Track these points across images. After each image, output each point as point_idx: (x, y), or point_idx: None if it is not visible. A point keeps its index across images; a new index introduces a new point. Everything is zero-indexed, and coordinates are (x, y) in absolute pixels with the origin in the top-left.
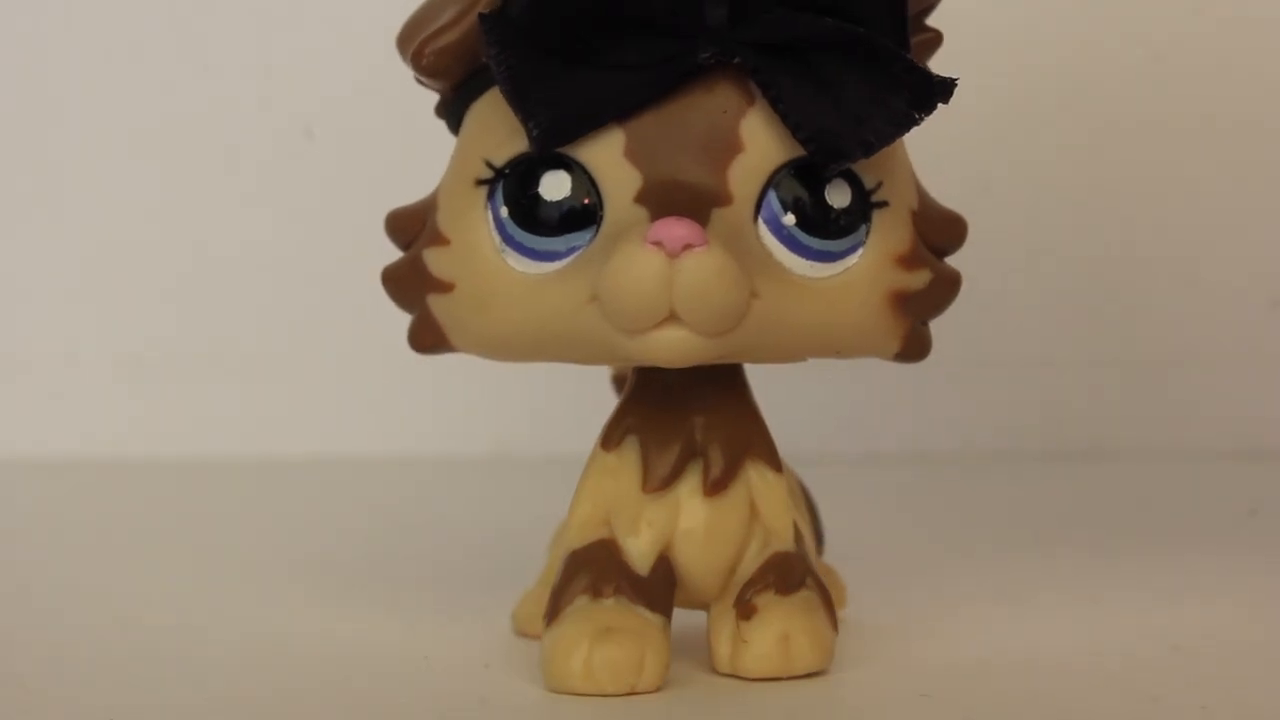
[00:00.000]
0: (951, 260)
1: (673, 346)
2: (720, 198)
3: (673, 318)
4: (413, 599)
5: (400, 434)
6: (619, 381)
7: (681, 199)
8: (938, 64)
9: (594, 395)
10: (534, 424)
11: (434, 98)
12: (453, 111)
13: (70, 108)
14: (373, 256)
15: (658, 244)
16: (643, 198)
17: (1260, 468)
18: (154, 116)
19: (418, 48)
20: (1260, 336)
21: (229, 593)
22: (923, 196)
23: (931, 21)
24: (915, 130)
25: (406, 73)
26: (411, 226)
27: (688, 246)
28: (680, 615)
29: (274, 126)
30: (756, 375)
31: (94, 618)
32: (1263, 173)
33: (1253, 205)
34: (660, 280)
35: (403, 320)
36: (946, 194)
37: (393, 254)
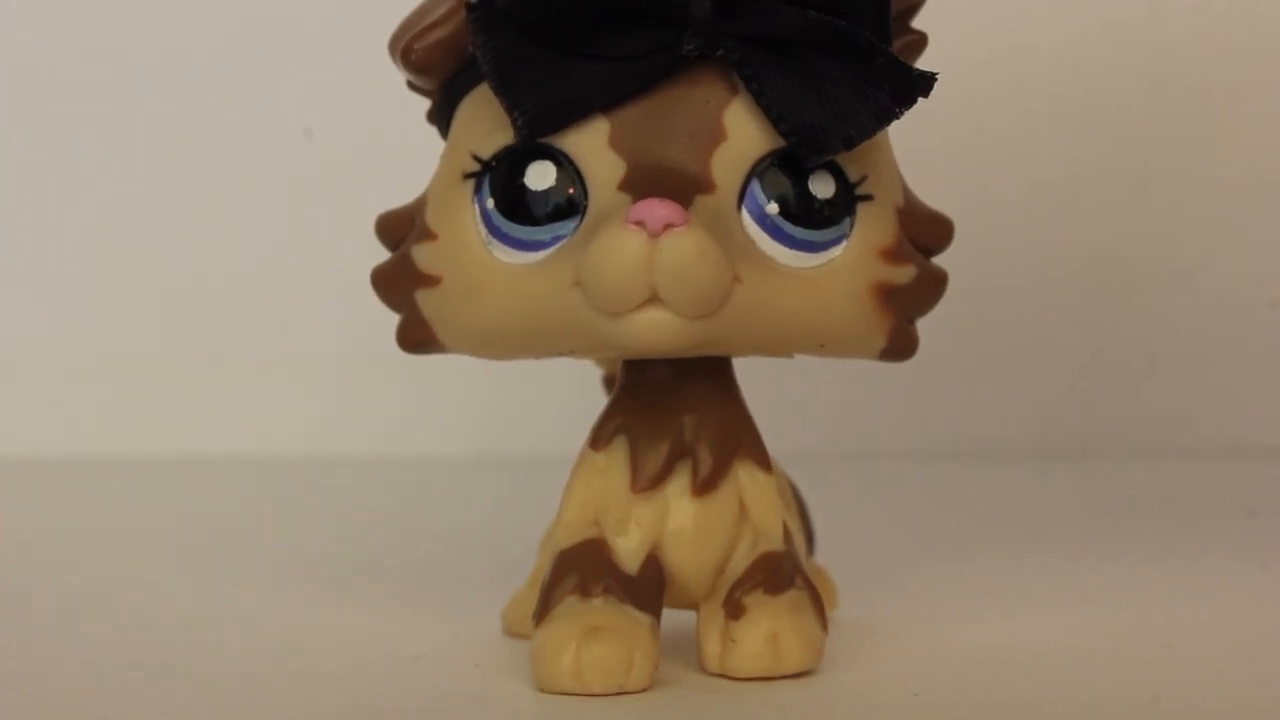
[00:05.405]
0: (952, 257)
1: (654, 329)
2: (703, 184)
3: (654, 299)
4: (402, 599)
5: (390, 434)
6: (609, 382)
7: (664, 184)
8: (937, 65)
9: (583, 395)
10: (523, 424)
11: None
12: (442, 113)
13: (69, 108)
14: (369, 257)
15: (639, 224)
16: (626, 184)
17: (1259, 467)
18: (153, 116)
19: (406, 44)
20: (1259, 336)
21: (220, 592)
22: (909, 195)
23: (930, 23)
24: (915, 130)
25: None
26: (401, 227)
27: (669, 226)
28: (669, 615)
29: (274, 126)
30: (746, 375)
31: (91, 617)
32: (1262, 172)
33: (1251, 205)
34: (641, 260)
35: (394, 321)
36: (944, 194)
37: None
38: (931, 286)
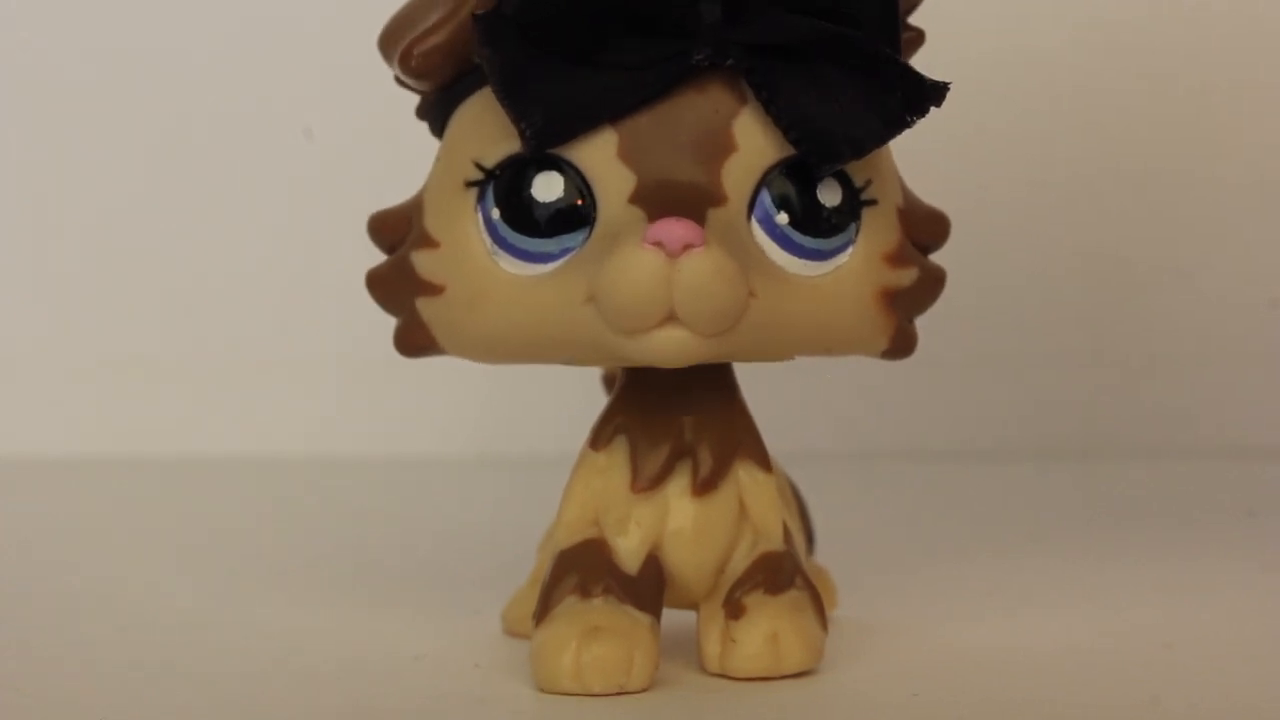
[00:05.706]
0: (952, 257)
1: (671, 347)
2: (715, 197)
3: (671, 318)
4: (403, 599)
5: (390, 434)
6: (609, 381)
7: (677, 199)
8: (938, 65)
9: (583, 395)
10: (523, 424)
11: None
12: (437, 114)
13: (69, 108)
14: (369, 258)
15: (657, 244)
16: (637, 198)
17: (1259, 467)
18: (153, 116)
19: (405, 49)
20: (1259, 336)
21: (220, 592)
22: (907, 194)
23: (930, 22)
24: (915, 130)
25: None
26: (396, 229)
27: (687, 246)
28: (669, 615)
29: (274, 126)
30: (746, 374)
31: (91, 617)
32: (1262, 172)
33: (1251, 205)
34: (660, 280)
35: (394, 321)
36: (945, 193)
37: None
38: (931, 286)
